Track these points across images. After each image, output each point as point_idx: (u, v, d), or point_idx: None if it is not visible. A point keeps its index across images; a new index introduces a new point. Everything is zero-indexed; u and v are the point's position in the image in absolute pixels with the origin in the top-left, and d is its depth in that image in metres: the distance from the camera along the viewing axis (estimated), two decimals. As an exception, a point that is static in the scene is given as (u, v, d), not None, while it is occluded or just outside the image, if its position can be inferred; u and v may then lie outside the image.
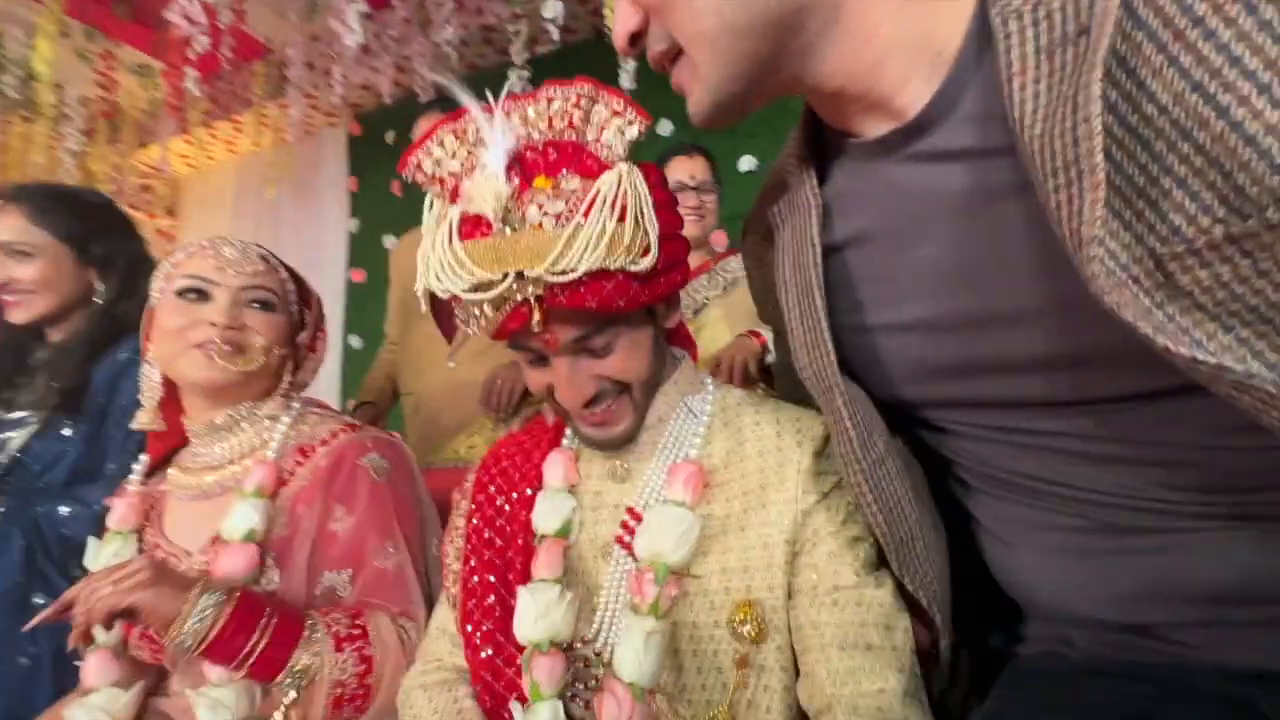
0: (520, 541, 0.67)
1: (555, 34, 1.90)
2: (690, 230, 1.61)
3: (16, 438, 1.11)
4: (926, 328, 0.52)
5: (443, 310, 1.78)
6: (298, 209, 3.62)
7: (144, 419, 0.90)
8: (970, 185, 0.45)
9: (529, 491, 0.69)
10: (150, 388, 0.90)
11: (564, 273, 0.52)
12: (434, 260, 0.56)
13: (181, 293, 0.84)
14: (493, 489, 0.73)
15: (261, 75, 3.06)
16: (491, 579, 0.67)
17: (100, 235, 1.21)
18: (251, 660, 0.71)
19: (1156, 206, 0.35)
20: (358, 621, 0.76)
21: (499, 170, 0.54)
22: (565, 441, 0.72)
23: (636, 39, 0.51)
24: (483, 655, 0.64)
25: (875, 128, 0.50)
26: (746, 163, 2.49)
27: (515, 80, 2.39)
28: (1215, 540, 0.46)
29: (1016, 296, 0.45)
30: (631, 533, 0.63)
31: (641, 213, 0.56)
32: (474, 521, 0.71)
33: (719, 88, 0.48)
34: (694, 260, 1.67)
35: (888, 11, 0.45)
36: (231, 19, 2.24)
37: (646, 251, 0.56)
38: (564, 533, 0.65)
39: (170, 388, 0.90)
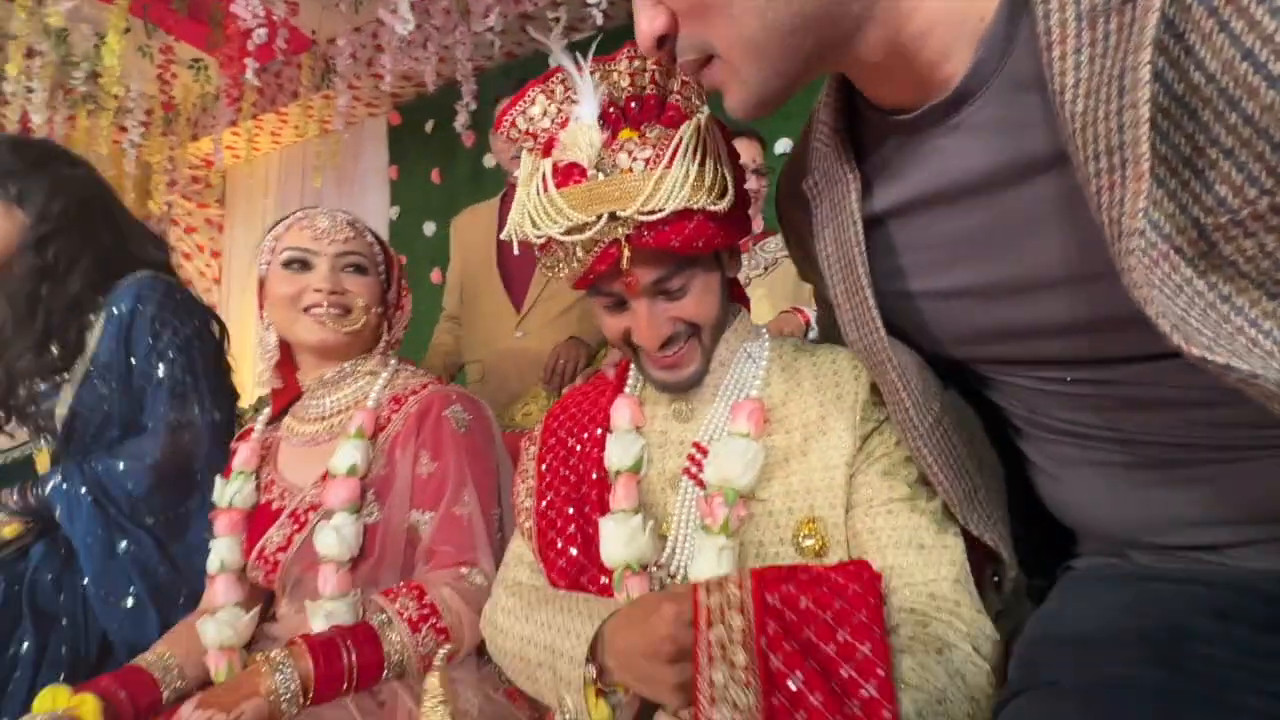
0: (594, 476, 0.73)
1: (599, 19, 1.96)
2: None
3: (64, 397, 1.13)
4: (968, 295, 0.52)
5: (514, 280, 1.86)
6: (340, 197, 3.75)
7: (265, 378, 1.00)
8: (1008, 155, 0.45)
9: (599, 432, 0.75)
10: (268, 349, 0.99)
11: (652, 212, 0.58)
12: (530, 208, 0.61)
13: (287, 264, 0.94)
14: (562, 432, 0.79)
15: (308, 67, 3.17)
16: (570, 510, 0.73)
17: (22, 174, 1.15)
18: (357, 672, 0.76)
19: (1202, 177, 0.34)
20: (424, 601, 0.82)
21: (592, 121, 0.59)
22: (628, 389, 0.77)
23: (663, 41, 0.49)
24: (569, 576, 0.70)
25: (916, 100, 0.49)
26: (784, 145, 2.53)
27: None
28: (1264, 467, 0.46)
29: (1058, 264, 0.45)
30: (698, 465, 0.68)
31: (720, 157, 0.62)
32: (546, 462, 0.78)
33: (763, 86, 0.47)
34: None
35: None
36: (285, 12, 2.34)
37: (724, 193, 0.61)
38: (636, 468, 0.70)
39: (284, 349, 1.00)
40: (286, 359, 1.01)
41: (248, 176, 4.15)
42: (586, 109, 0.60)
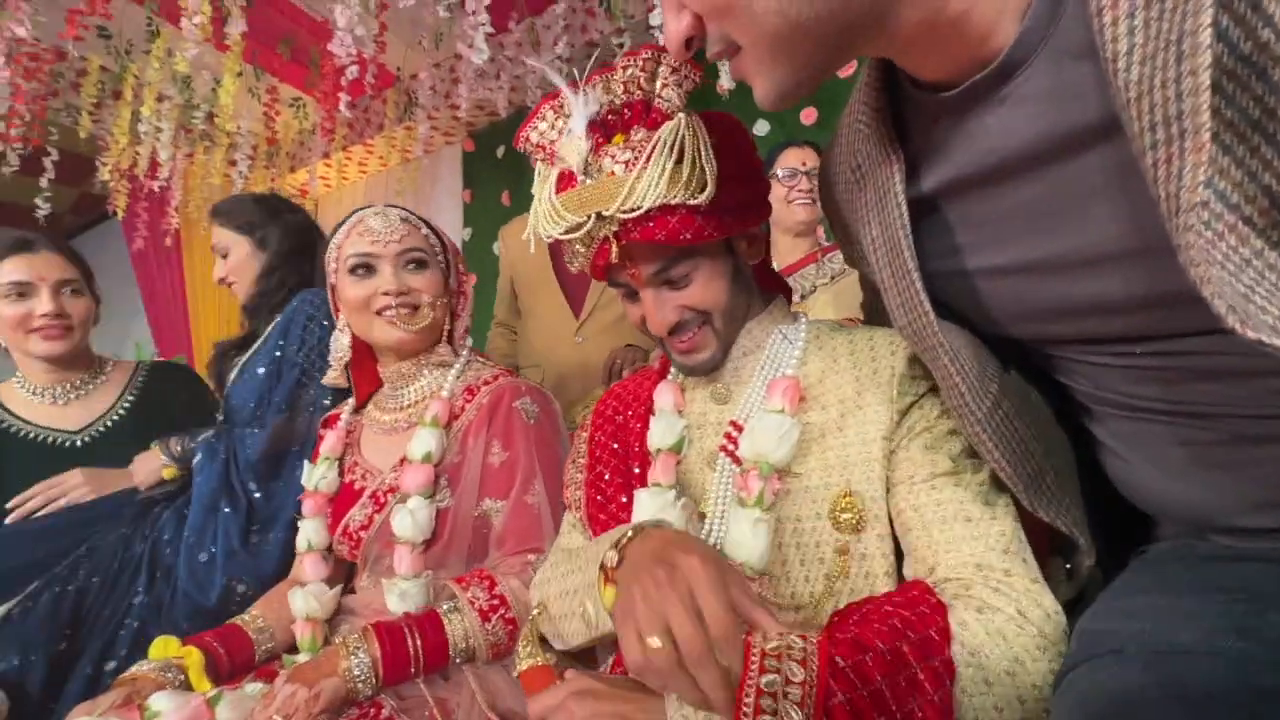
0: (637, 448, 0.77)
1: (662, 41, 2.02)
2: (802, 215, 1.70)
3: (232, 373, 1.37)
4: (1023, 271, 0.51)
5: (571, 287, 1.94)
6: (418, 221, 3.99)
7: (332, 376, 1.08)
8: (1058, 127, 0.43)
9: (643, 411, 0.80)
10: (339, 350, 1.06)
11: (632, 210, 0.62)
12: (539, 212, 0.68)
13: (352, 270, 1.00)
14: (609, 413, 0.84)
15: (392, 101, 3.43)
16: (619, 480, 0.77)
17: (263, 223, 1.43)
18: (423, 657, 0.82)
19: (1274, 141, 0.33)
20: (495, 592, 0.86)
21: (581, 132, 0.65)
22: (670, 375, 0.82)
23: (691, 42, 0.51)
24: None
25: (959, 75, 0.47)
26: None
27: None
28: None
29: (1115, 239, 0.44)
30: (735, 442, 0.71)
31: (699, 153, 0.64)
32: (595, 439, 0.82)
33: (788, 78, 0.48)
34: (802, 250, 1.75)
35: None
36: (374, 50, 2.55)
37: (704, 188, 0.63)
38: (677, 447, 0.74)
39: (363, 346, 1.08)
40: (367, 353, 1.09)
41: (337, 203, 4.47)
42: (577, 121, 0.66)
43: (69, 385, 1.34)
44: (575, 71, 0.68)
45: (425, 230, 1.05)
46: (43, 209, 3.04)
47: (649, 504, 0.69)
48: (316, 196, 4.40)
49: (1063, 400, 0.62)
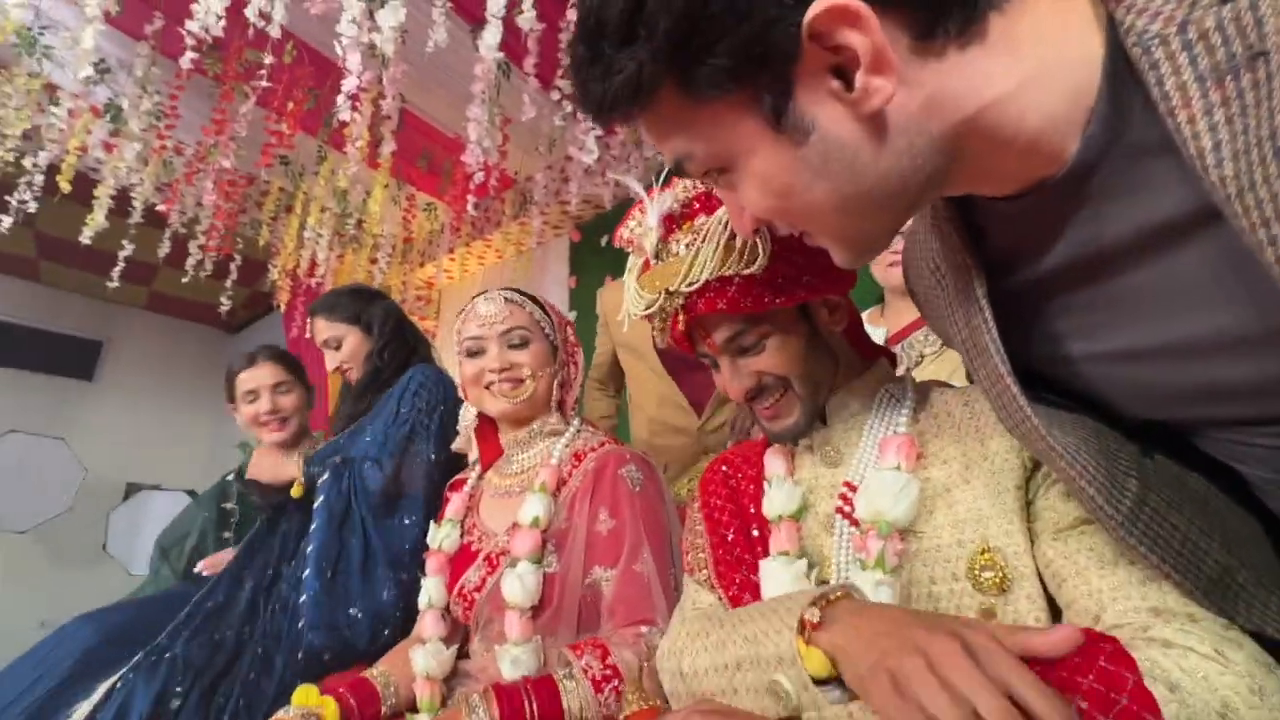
0: (752, 510, 0.77)
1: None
2: (893, 279, 1.66)
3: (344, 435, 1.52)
4: (1144, 355, 0.48)
5: (683, 377, 1.99)
6: (528, 306, 4.29)
7: (459, 443, 1.19)
8: (1155, 219, 0.42)
9: (754, 474, 0.81)
10: (466, 421, 1.18)
11: (692, 284, 0.69)
12: (628, 294, 0.77)
13: (466, 352, 1.12)
14: (721, 477, 0.84)
15: (510, 200, 3.81)
16: (744, 541, 0.77)
17: (365, 308, 1.64)
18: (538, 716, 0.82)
19: None
20: (608, 662, 0.86)
21: (654, 224, 0.73)
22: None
23: (758, 230, 0.57)
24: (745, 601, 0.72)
25: (1029, 187, 0.47)
26: None
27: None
28: None
29: (1242, 323, 0.41)
30: (849, 503, 0.69)
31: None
32: (712, 502, 0.82)
33: (860, 248, 0.52)
34: (914, 310, 1.70)
35: (1026, 104, 0.42)
36: (498, 159, 2.88)
37: (755, 259, 0.67)
38: (797, 515, 0.73)
39: (487, 416, 1.18)
40: (490, 422, 1.18)
41: (458, 293, 4.93)
42: (651, 216, 0.74)
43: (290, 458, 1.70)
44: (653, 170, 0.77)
45: (530, 307, 1.15)
46: (225, 305, 3.60)
47: (780, 574, 0.68)
48: (441, 287, 4.88)
49: (1241, 484, 0.55)
